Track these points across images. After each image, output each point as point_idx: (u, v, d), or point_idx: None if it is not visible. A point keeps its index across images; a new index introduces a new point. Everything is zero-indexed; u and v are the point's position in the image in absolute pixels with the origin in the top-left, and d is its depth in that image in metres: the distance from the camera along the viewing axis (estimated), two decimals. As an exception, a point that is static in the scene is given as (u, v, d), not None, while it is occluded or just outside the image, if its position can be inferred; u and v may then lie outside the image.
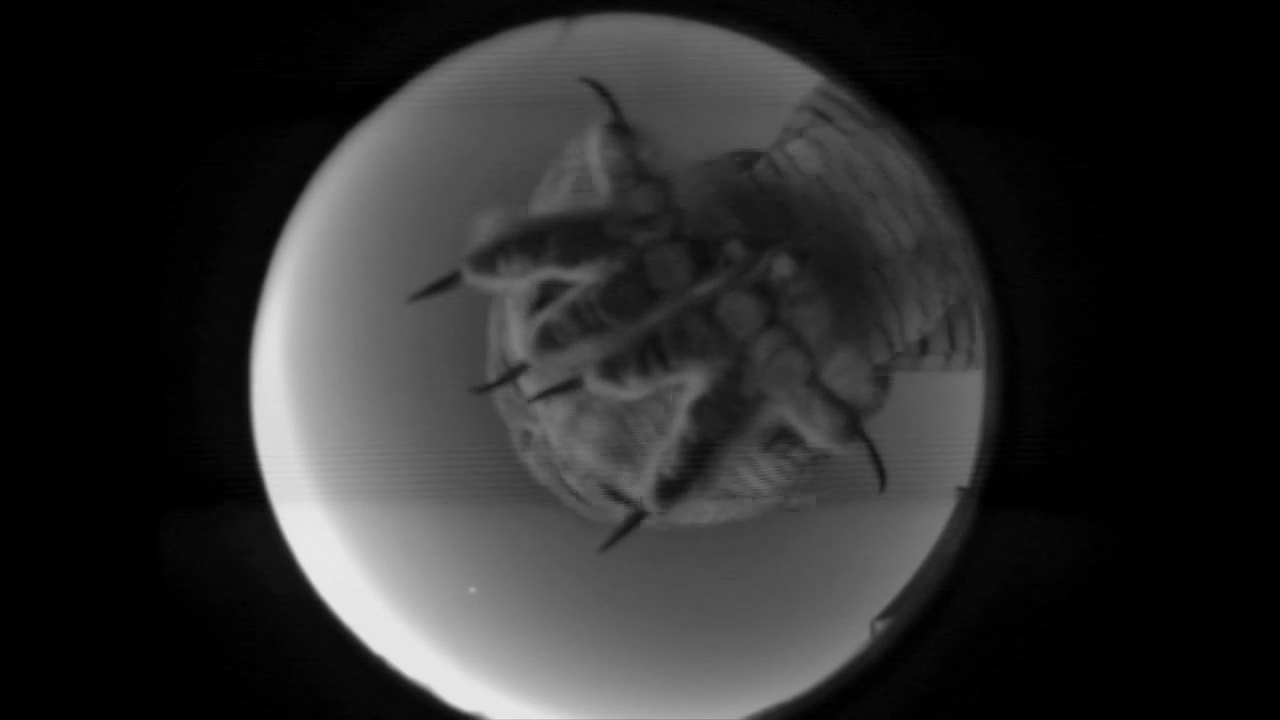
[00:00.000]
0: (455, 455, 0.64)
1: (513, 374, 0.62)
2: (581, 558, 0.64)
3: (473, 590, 0.67)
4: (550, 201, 0.62)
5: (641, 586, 0.67)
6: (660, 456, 0.59)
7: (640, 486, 0.59)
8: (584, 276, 0.59)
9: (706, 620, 0.68)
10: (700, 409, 0.58)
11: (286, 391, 0.65)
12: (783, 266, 0.58)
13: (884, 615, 0.64)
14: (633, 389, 0.59)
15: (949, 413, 0.65)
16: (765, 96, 0.64)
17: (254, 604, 0.60)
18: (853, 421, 0.59)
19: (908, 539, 0.64)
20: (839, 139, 0.63)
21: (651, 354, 0.58)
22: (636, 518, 0.60)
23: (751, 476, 0.63)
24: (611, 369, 0.58)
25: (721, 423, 0.58)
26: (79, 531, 0.58)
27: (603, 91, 0.60)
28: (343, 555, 0.66)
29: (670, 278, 0.58)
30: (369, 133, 0.61)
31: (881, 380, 0.66)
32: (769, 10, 0.60)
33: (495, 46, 0.60)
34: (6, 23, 0.58)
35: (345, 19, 0.60)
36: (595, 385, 0.59)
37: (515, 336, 0.60)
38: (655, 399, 0.61)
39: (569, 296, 0.59)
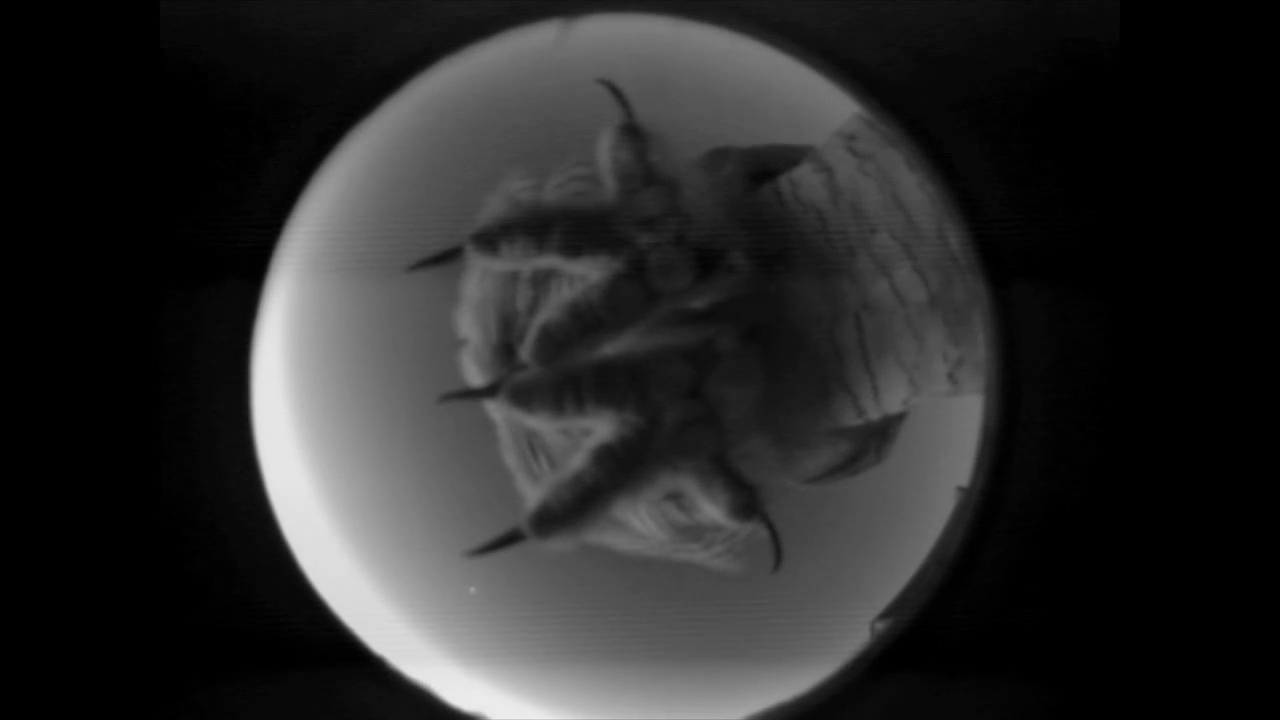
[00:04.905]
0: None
1: (481, 392, 0.61)
2: (581, 558, 0.64)
3: (473, 590, 0.67)
4: (559, 193, 0.62)
5: (641, 586, 0.67)
6: (551, 486, 0.58)
7: (525, 507, 0.58)
8: (584, 270, 0.59)
9: (706, 620, 0.68)
10: (603, 454, 0.58)
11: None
12: (726, 341, 0.58)
13: (884, 615, 0.64)
14: (539, 421, 0.58)
15: (949, 413, 0.65)
16: (765, 96, 0.64)
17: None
18: (752, 501, 0.58)
19: (908, 539, 0.64)
20: (849, 162, 0.61)
21: (569, 394, 0.57)
22: (513, 537, 0.59)
23: (634, 519, 0.62)
24: (524, 395, 0.57)
25: (619, 473, 0.58)
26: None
27: (617, 93, 0.59)
28: (345, 559, 0.66)
29: (671, 281, 0.58)
30: (368, 133, 0.61)
31: (881, 437, 0.65)
32: (769, 10, 0.60)
33: (495, 46, 0.60)
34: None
35: (346, 18, 0.60)
36: (502, 408, 0.58)
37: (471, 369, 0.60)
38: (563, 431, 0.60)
39: (569, 297, 0.59)
